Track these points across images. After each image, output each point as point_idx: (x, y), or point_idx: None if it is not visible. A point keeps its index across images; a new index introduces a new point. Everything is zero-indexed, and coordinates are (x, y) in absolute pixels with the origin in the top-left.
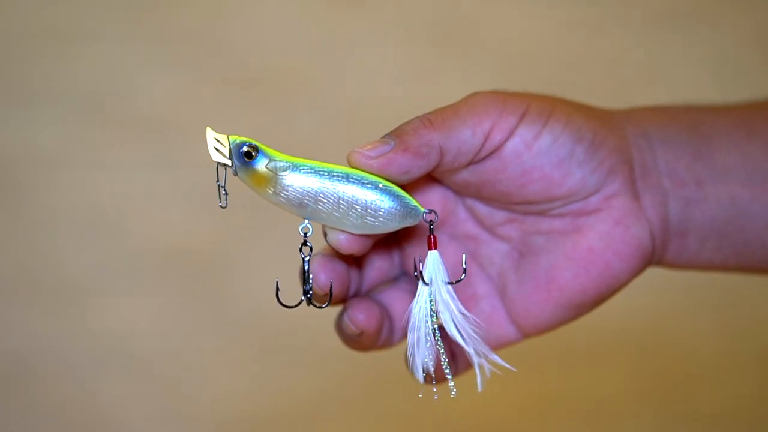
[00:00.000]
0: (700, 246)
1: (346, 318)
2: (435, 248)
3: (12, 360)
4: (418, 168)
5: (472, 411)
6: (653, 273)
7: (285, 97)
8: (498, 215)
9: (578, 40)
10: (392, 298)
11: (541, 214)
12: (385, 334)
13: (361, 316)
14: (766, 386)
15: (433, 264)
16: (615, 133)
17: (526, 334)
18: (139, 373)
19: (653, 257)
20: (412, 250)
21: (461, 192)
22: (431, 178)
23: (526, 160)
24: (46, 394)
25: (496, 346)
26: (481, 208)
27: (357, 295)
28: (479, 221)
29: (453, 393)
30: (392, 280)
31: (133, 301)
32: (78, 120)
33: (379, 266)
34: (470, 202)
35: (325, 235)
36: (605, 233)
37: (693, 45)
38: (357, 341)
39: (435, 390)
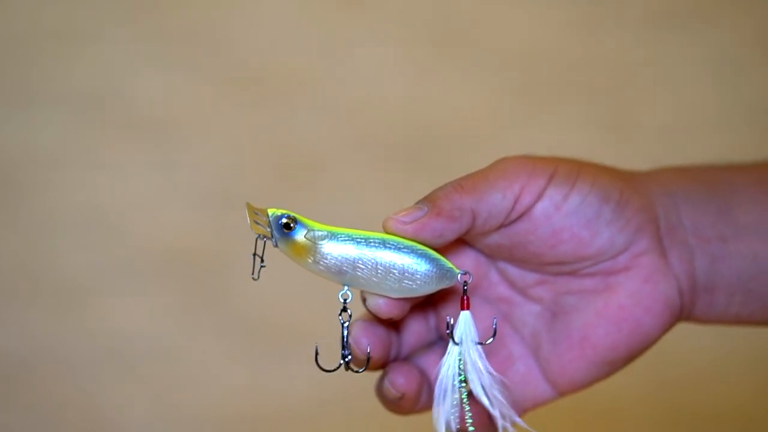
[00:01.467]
0: (728, 301)
1: (386, 382)
2: (468, 308)
3: (12, 360)
4: (451, 231)
5: None
6: None
7: (285, 97)
8: (529, 277)
9: (578, 40)
10: (430, 362)
11: (571, 274)
12: (425, 398)
13: (401, 379)
14: (765, 387)
15: (464, 324)
16: (640, 193)
17: (561, 393)
18: (138, 373)
19: (682, 313)
20: (447, 313)
21: (493, 255)
22: (464, 242)
23: (555, 221)
24: (45, 394)
25: (533, 406)
26: (513, 271)
27: (396, 359)
28: (511, 284)
29: None
30: (429, 345)
31: (133, 301)
32: (78, 120)
33: (417, 331)
34: (502, 265)
35: (364, 300)
36: (635, 291)
37: (693, 45)
38: (398, 404)
39: None
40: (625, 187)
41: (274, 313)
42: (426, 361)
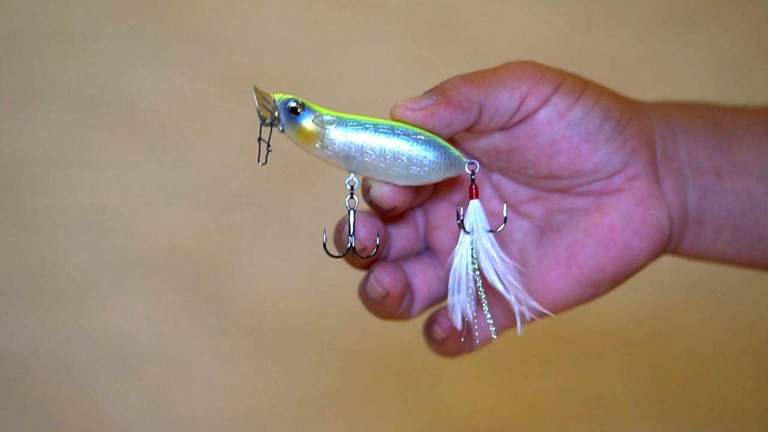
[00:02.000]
0: (716, 236)
1: (372, 279)
2: (477, 197)
3: (11, 360)
4: (459, 122)
5: (472, 412)
6: (653, 272)
7: None
8: (523, 192)
9: (579, 40)
10: (414, 270)
11: (564, 191)
12: (406, 304)
13: (387, 277)
14: (765, 385)
15: (474, 213)
16: (640, 118)
17: (542, 312)
18: (138, 373)
19: (670, 242)
20: (437, 224)
21: (490, 163)
22: (462, 148)
23: (557, 130)
24: (45, 394)
25: (513, 323)
26: (507, 186)
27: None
28: (504, 199)
29: (494, 336)
30: (416, 254)
31: (133, 301)
32: (78, 120)
33: (406, 236)
34: (496, 179)
35: (368, 189)
36: (626, 212)
37: (694, 45)
38: (380, 304)
39: (476, 336)
40: (626, 109)
41: (274, 313)
42: (411, 268)
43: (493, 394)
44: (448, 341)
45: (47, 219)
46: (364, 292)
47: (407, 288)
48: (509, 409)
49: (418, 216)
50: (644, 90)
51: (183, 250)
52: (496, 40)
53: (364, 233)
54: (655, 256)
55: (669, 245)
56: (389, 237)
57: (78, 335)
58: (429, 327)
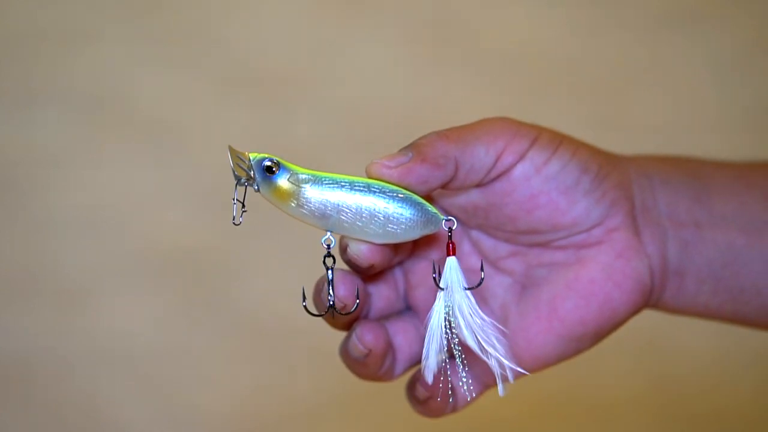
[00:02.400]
0: (698, 288)
1: (354, 337)
2: (454, 254)
3: (11, 360)
4: (435, 179)
5: (472, 412)
6: None
7: (285, 97)
8: (502, 249)
9: (578, 40)
10: (396, 329)
11: (544, 245)
12: (388, 363)
13: (369, 335)
14: (765, 387)
15: (450, 270)
16: (618, 170)
17: (526, 369)
18: (138, 373)
19: (652, 295)
20: (417, 283)
21: (468, 220)
22: (439, 206)
23: (534, 184)
24: (45, 394)
25: (494, 381)
26: (486, 242)
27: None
28: (483, 256)
29: (469, 398)
30: (396, 313)
31: (133, 301)
32: (78, 120)
33: (387, 296)
34: (475, 235)
35: (345, 248)
36: (606, 265)
37: (693, 45)
38: (362, 363)
39: (439, 399)
40: (604, 162)
41: (274, 313)
42: (393, 327)
43: (493, 393)
44: (431, 400)
45: (47, 219)
46: (345, 352)
47: (389, 346)
48: (508, 410)
49: (398, 275)
50: (644, 90)
51: (183, 250)
52: (496, 40)
53: (344, 291)
54: (636, 309)
55: (651, 298)
56: (369, 296)
57: (78, 335)
58: (411, 386)
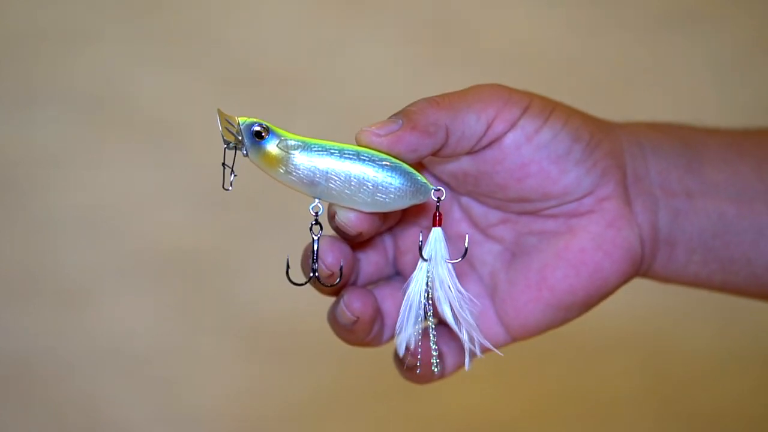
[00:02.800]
0: (688, 258)
1: (342, 304)
2: (440, 225)
3: (11, 360)
4: (425, 146)
5: (471, 412)
6: None
7: (285, 97)
8: (492, 216)
9: (578, 40)
10: (384, 294)
11: (534, 214)
12: (376, 329)
13: (357, 303)
14: (765, 387)
15: (435, 241)
16: (610, 138)
17: (514, 337)
18: (138, 373)
19: (642, 264)
20: (407, 249)
21: (458, 186)
22: (428, 173)
23: (525, 153)
24: (45, 394)
25: (485, 349)
26: (476, 209)
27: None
28: (473, 222)
29: (435, 370)
30: (385, 279)
31: (133, 301)
32: (78, 120)
33: (375, 261)
34: (465, 201)
35: (333, 215)
36: (597, 234)
37: (693, 45)
38: (350, 330)
39: (418, 365)
40: (596, 130)
41: (274, 313)
42: (381, 293)
43: (493, 394)
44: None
45: (47, 219)
46: (333, 318)
47: (377, 313)
48: (509, 409)
49: (387, 240)
50: (644, 90)
51: (183, 250)
52: (496, 40)
53: (331, 259)
54: (626, 278)
55: (641, 268)
56: (358, 262)
57: (78, 335)
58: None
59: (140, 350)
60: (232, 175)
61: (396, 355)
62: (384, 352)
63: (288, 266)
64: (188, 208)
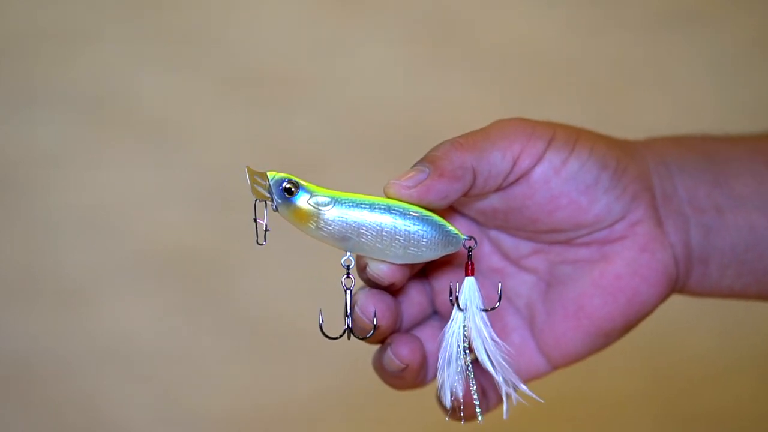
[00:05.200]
0: (722, 273)
1: (389, 353)
2: (472, 274)
3: (11, 360)
4: (455, 191)
5: None
6: None
7: (285, 98)
8: (523, 247)
9: (578, 40)
10: (426, 336)
11: (567, 243)
12: (423, 371)
13: (405, 350)
14: (765, 387)
15: (469, 290)
16: (636, 161)
17: (555, 365)
18: (138, 373)
19: (677, 284)
20: (441, 289)
21: (487, 222)
22: (454, 210)
23: (554, 186)
24: (45, 394)
25: (526, 378)
26: (506, 241)
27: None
28: (504, 254)
29: (480, 420)
30: (425, 318)
31: (134, 301)
32: (78, 120)
33: (418, 301)
34: (495, 234)
35: (364, 267)
36: (632, 260)
37: (693, 45)
38: (399, 377)
39: (462, 416)
40: (622, 155)
41: (275, 313)
42: (422, 334)
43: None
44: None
45: (47, 219)
46: (380, 366)
47: (425, 358)
48: (509, 409)
49: (423, 282)
50: (644, 90)
51: (183, 250)
52: (496, 40)
53: (372, 311)
54: (663, 298)
55: (676, 287)
56: (399, 308)
57: (78, 335)
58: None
59: (140, 350)
60: (266, 230)
61: (439, 399)
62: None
63: (321, 320)
64: (188, 208)
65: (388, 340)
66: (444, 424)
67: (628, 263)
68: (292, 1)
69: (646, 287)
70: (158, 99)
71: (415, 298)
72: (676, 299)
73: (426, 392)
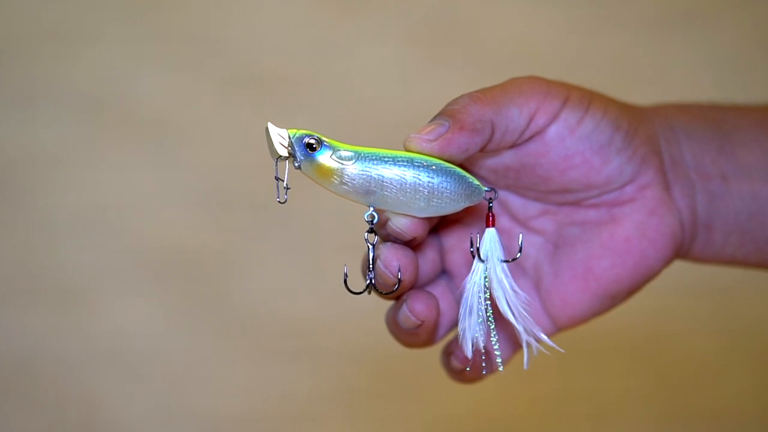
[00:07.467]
0: (725, 240)
1: (405, 309)
2: (493, 226)
3: (11, 360)
4: (475, 144)
5: (473, 412)
6: None
7: (285, 98)
8: (532, 208)
9: (578, 40)
10: (438, 294)
11: (576, 204)
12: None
13: (421, 306)
14: (765, 386)
15: (490, 241)
16: (645, 125)
17: (560, 327)
18: (138, 373)
19: (682, 248)
20: (451, 247)
21: (498, 181)
22: (465, 168)
23: (569, 145)
24: (45, 394)
25: (517, 353)
26: (515, 201)
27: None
28: (512, 215)
29: (500, 367)
30: (436, 276)
31: (133, 301)
32: (78, 120)
33: (432, 258)
34: (503, 195)
35: (386, 222)
36: (640, 223)
37: (693, 45)
38: (413, 334)
39: (483, 366)
40: (632, 118)
41: (274, 313)
42: (435, 292)
43: (493, 394)
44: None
45: (47, 219)
46: (395, 323)
47: (439, 314)
48: (510, 409)
49: (436, 238)
50: (644, 90)
51: (183, 250)
52: (496, 40)
53: (396, 266)
54: (668, 262)
55: (681, 251)
56: (418, 266)
57: (78, 335)
58: (446, 357)
59: (140, 350)
60: (287, 188)
61: (445, 359)
62: (383, 353)
63: (346, 275)
64: (188, 208)
65: (404, 297)
66: (444, 423)
67: (636, 226)
68: (292, 1)
69: (653, 251)
70: (158, 99)
71: (428, 255)
72: (676, 299)
73: (426, 392)
